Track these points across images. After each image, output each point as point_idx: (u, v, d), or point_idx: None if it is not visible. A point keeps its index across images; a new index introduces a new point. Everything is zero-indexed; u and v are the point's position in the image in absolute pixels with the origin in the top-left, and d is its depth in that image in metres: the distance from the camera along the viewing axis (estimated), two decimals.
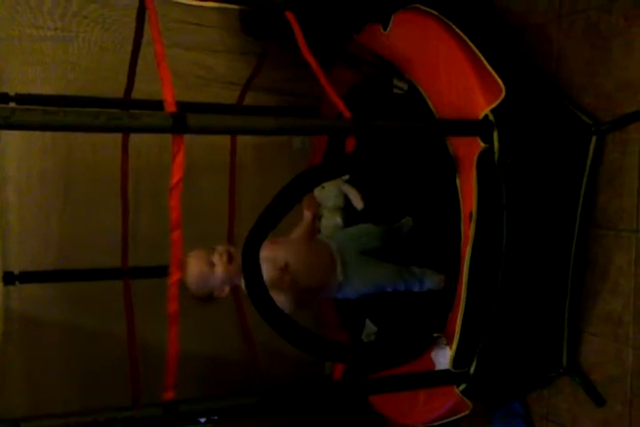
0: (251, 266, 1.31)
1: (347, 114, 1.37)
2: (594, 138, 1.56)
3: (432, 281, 1.65)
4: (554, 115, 1.59)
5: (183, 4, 1.76)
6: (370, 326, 1.97)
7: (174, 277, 1.17)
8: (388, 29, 1.73)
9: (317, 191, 2.06)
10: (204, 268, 1.56)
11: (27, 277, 2.02)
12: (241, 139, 2.11)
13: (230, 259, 1.56)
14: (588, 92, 1.61)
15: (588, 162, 1.56)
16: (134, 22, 1.58)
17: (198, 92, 2.04)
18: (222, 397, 1.34)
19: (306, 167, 1.76)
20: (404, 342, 1.57)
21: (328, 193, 2.04)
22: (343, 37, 1.93)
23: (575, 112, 1.60)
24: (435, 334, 1.52)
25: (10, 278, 2.00)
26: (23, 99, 1.89)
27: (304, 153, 2.34)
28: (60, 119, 1.04)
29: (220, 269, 1.55)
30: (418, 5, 1.66)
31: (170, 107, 1.15)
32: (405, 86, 1.72)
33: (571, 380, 1.63)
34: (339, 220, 2.05)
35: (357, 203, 1.93)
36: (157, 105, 1.82)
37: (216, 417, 1.30)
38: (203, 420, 1.30)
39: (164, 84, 1.18)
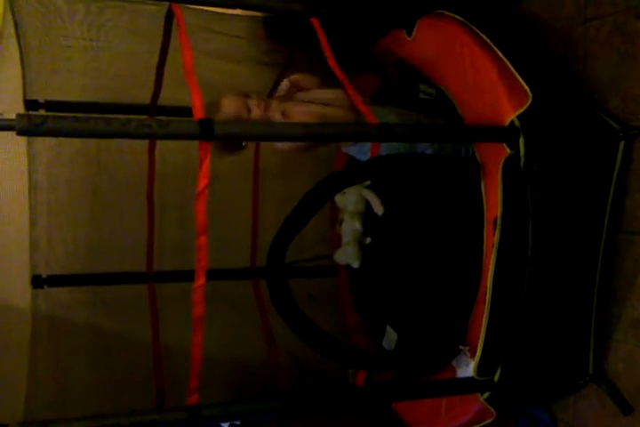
0: (276, 271, 1.32)
1: (372, 120, 1.37)
2: (622, 143, 1.54)
3: None
4: (581, 120, 1.57)
5: (209, 11, 1.77)
6: (390, 333, 1.96)
7: (200, 281, 1.18)
8: (413, 35, 1.73)
9: (338, 196, 2.07)
10: (242, 110, 1.54)
11: (55, 280, 2.05)
12: (265, 144, 2.12)
13: (266, 108, 1.56)
14: (615, 97, 1.59)
15: (616, 167, 1.54)
16: (162, 30, 1.60)
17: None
18: (245, 401, 1.34)
19: (329, 173, 1.77)
20: (429, 354, 1.56)
21: (349, 198, 2.04)
22: (368, 43, 1.94)
23: (602, 117, 1.58)
24: (460, 347, 1.51)
25: (38, 282, 2.03)
26: (53, 106, 1.93)
27: (328, 159, 2.34)
28: (90, 126, 1.06)
29: (257, 114, 1.54)
30: (443, 11, 1.66)
31: (198, 113, 1.17)
32: (434, 92, 1.71)
33: (597, 387, 1.61)
34: (358, 225, 2.05)
35: (377, 208, 1.93)
36: (184, 111, 1.86)
37: (239, 422, 1.31)
38: (226, 425, 1.31)
39: (193, 91, 1.20)
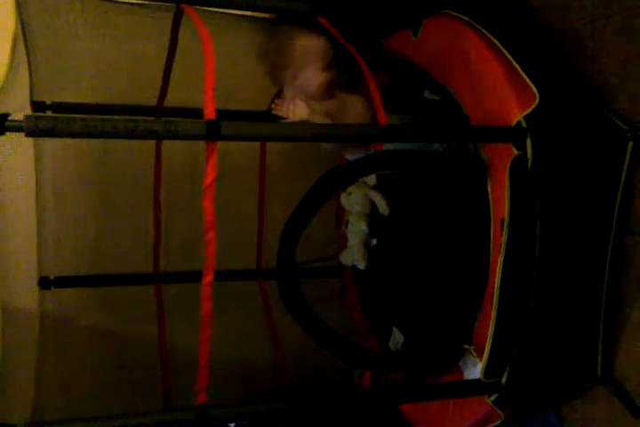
0: (285, 266, 1.32)
1: (383, 120, 1.37)
2: (630, 144, 1.53)
3: None
4: (588, 120, 1.57)
5: (215, 11, 1.78)
6: (397, 335, 1.96)
7: (208, 277, 1.19)
8: (419, 36, 1.73)
9: (344, 198, 2.06)
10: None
11: (62, 281, 2.06)
12: (270, 143, 2.12)
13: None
14: (623, 97, 1.58)
15: (625, 168, 1.53)
16: (169, 30, 1.61)
17: (231, 99, 2.06)
18: (253, 402, 1.34)
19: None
20: (435, 355, 1.56)
21: (354, 199, 2.04)
22: (373, 44, 1.93)
23: (610, 118, 1.57)
24: (465, 346, 1.51)
25: (46, 283, 2.04)
26: (60, 107, 1.93)
27: (333, 158, 2.35)
28: (98, 128, 1.06)
29: (329, 73, 1.58)
30: (449, 11, 1.66)
31: (209, 114, 1.17)
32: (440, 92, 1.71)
33: (606, 390, 1.60)
34: (364, 226, 2.04)
35: (383, 209, 1.93)
36: (190, 112, 1.86)
37: (245, 422, 1.31)
38: (232, 425, 1.31)
39: (207, 91, 1.20)
